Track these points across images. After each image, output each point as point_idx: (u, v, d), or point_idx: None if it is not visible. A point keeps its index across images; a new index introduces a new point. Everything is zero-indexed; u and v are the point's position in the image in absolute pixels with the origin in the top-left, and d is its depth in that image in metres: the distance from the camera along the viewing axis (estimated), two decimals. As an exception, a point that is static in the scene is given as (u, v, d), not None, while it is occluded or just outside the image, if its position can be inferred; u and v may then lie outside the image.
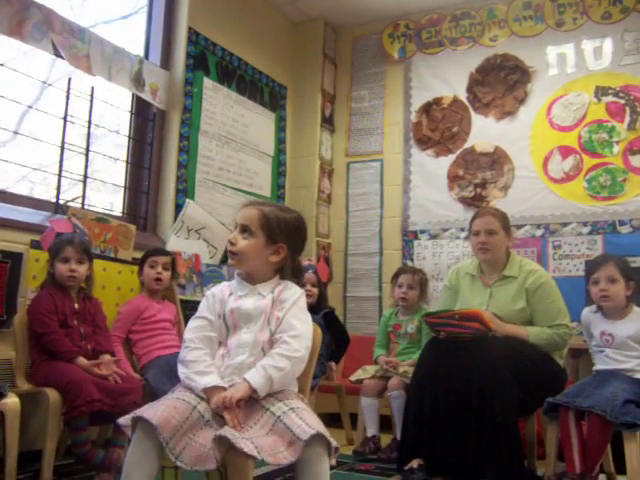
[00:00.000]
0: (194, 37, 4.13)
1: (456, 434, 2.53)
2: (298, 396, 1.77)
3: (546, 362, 2.76)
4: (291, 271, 1.88)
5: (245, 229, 1.81)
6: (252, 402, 1.68)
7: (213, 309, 1.82)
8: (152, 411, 1.57)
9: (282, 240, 1.82)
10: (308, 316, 1.84)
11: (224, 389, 1.68)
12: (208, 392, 1.68)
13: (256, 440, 1.54)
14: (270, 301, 1.80)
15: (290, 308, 1.79)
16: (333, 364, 3.67)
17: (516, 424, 2.54)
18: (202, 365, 1.73)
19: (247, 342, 1.76)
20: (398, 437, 3.02)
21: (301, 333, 1.76)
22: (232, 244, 1.81)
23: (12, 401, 2.38)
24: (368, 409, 3.29)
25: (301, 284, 1.96)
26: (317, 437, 1.55)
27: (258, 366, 1.70)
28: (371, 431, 3.26)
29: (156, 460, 1.56)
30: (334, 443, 1.59)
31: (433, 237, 4.64)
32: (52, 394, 2.47)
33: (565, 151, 4.27)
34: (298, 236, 1.88)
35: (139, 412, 1.58)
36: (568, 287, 3.45)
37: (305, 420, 1.59)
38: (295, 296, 1.82)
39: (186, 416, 1.60)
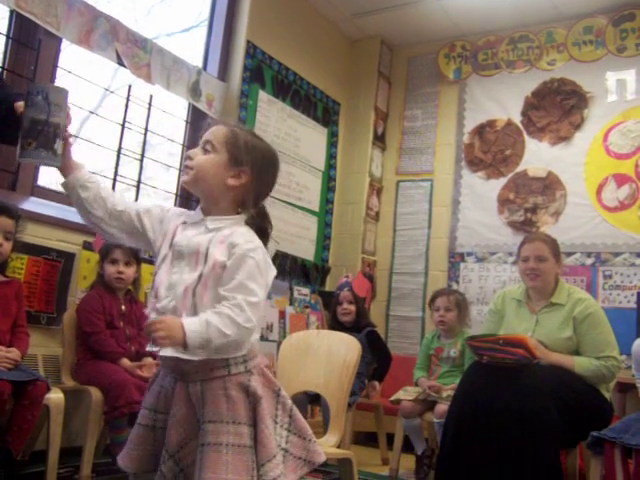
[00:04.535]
0: (252, 50, 4.20)
1: (494, 462, 2.47)
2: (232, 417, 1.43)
3: (591, 394, 2.68)
4: (255, 214, 1.58)
5: (207, 144, 1.55)
6: (193, 421, 1.47)
7: (155, 219, 1.59)
8: (126, 456, 1.53)
9: (247, 164, 1.54)
10: (265, 280, 1.49)
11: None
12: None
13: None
14: (208, 238, 1.49)
15: (243, 261, 1.44)
16: (376, 383, 3.62)
17: (557, 456, 2.46)
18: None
19: (173, 284, 1.48)
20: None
21: (259, 301, 1.43)
22: (190, 158, 1.55)
23: (57, 396, 2.44)
24: (412, 429, 3.24)
25: (266, 234, 1.60)
26: None
27: (202, 319, 1.37)
28: (420, 448, 3.22)
29: None
30: None
31: (480, 260, 4.58)
32: (95, 393, 2.52)
33: (621, 179, 4.17)
34: (267, 167, 1.58)
35: (119, 458, 1.56)
36: (618, 318, 3.35)
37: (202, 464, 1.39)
38: (249, 245, 1.46)
39: (152, 440, 1.53)
